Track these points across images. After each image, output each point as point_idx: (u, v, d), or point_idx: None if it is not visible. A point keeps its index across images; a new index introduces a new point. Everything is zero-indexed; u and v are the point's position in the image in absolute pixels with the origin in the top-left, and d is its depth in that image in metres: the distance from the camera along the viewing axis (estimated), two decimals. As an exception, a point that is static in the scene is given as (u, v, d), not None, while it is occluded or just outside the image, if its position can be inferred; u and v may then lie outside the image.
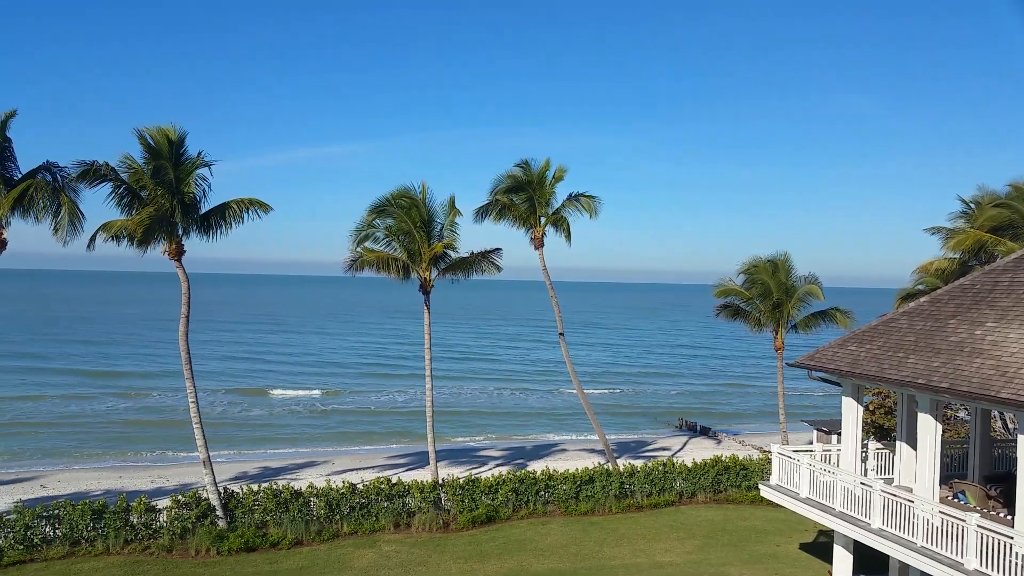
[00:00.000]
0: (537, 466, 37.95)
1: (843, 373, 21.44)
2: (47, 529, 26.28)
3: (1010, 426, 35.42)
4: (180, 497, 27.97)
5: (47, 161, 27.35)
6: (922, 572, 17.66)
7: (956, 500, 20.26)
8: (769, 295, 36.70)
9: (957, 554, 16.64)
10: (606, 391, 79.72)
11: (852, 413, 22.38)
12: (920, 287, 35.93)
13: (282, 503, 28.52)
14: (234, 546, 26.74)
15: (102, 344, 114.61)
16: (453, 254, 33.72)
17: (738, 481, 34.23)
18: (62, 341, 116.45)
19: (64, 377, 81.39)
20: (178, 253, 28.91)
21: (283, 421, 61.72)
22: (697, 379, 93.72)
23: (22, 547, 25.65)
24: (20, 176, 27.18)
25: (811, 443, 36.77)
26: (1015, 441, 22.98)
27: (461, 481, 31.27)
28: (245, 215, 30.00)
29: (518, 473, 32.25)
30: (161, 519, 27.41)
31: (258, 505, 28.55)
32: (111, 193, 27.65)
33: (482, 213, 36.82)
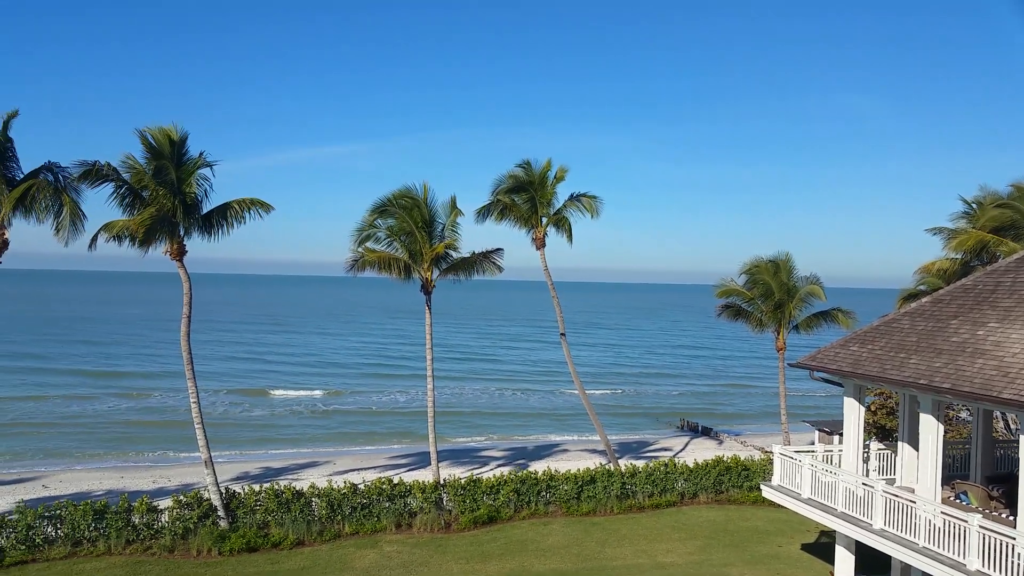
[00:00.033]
0: (539, 466, 37.95)
1: (845, 374, 21.42)
2: (49, 529, 26.30)
3: (1012, 427, 35.38)
4: (182, 497, 27.99)
5: (49, 161, 27.43)
6: (924, 573, 17.64)
7: (958, 501, 20.24)
8: (771, 295, 36.67)
9: (959, 555, 16.62)
10: (608, 391, 79.68)
11: (854, 414, 22.36)
12: (922, 287, 35.90)
13: (284, 503, 28.53)
14: (236, 546, 26.75)
15: (103, 344, 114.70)
16: (454, 254, 33.74)
17: (740, 482, 34.21)
18: (63, 341, 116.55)
19: (66, 377, 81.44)
20: (180, 253, 28.94)
21: (285, 421, 61.74)
22: (699, 379, 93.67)
23: (24, 547, 25.68)
24: (22, 176, 27.20)
25: (813, 444, 36.75)
26: (1017, 442, 22.96)
27: (463, 481, 31.27)
28: (247, 215, 30.04)
29: (520, 473, 32.24)
30: (163, 519, 27.43)
31: (260, 505, 28.56)
32: (113, 193, 27.72)
33: (484, 213, 36.82)
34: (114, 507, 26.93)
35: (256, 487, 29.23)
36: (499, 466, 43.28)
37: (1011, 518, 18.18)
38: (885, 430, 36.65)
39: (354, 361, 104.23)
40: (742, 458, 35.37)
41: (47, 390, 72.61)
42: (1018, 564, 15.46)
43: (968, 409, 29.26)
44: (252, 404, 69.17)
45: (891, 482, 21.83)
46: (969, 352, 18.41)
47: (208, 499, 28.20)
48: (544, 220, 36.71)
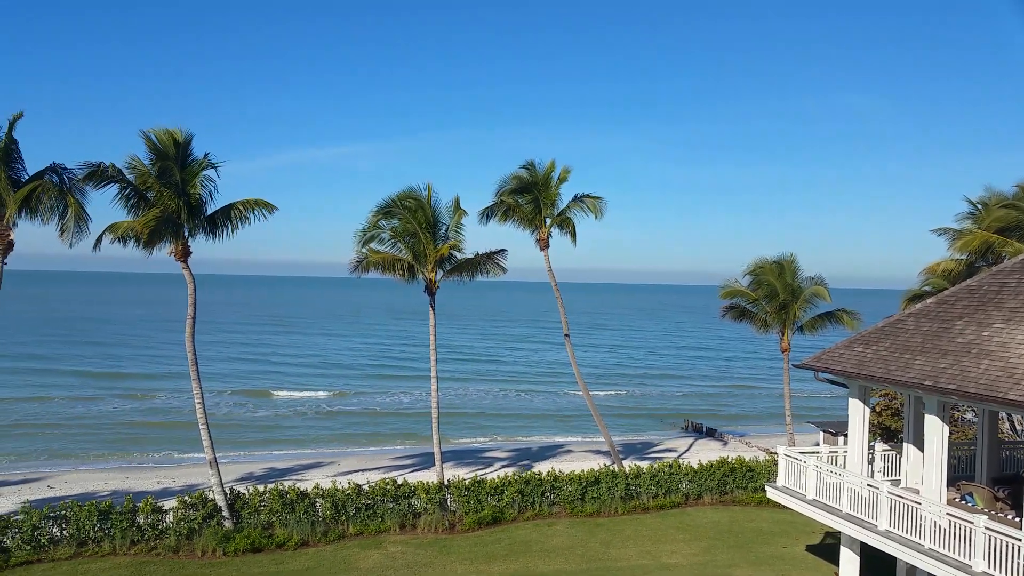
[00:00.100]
0: (543, 467, 37.95)
1: (850, 374, 21.38)
2: (54, 530, 26.36)
3: (1018, 428, 35.33)
4: (186, 498, 28.03)
5: (54, 163, 27.54)
6: (929, 574, 17.59)
7: (964, 502, 20.20)
8: (775, 296, 36.61)
9: (965, 556, 16.57)
10: (612, 392, 79.62)
11: (859, 415, 22.32)
12: (927, 288, 35.83)
13: (288, 504, 28.56)
14: (240, 547, 26.77)
15: (108, 345, 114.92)
16: (458, 255, 33.72)
17: (744, 483, 34.16)
18: (68, 342, 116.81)
19: (70, 378, 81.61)
20: (184, 254, 28.99)
21: (289, 422, 61.79)
22: (703, 380, 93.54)
23: (29, 547, 25.74)
24: (27, 178, 27.28)
25: (818, 445, 36.67)
26: (1023, 443, 22.92)
27: (467, 482, 31.27)
28: (251, 215, 30.08)
29: (524, 474, 32.23)
30: (167, 520, 27.47)
31: (264, 506, 28.59)
32: (117, 194, 27.77)
33: (487, 214, 36.83)
34: (119, 508, 26.98)
35: (260, 488, 29.26)
36: (503, 467, 43.27)
37: (1017, 519, 18.13)
38: (890, 431, 36.58)
39: (358, 362, 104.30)
40: (747, 459, 35.32)
41: (51, 391, 72.75)
42: (1024, 565, 15.42)
43: (974, 410, 29.20)
44: (256, 405, 69.26)
45: (896, 483, 21.77)
46: (974, 353, 18.37)
47: (213, 500, 28.24)
48: (548, 221, 36.69)
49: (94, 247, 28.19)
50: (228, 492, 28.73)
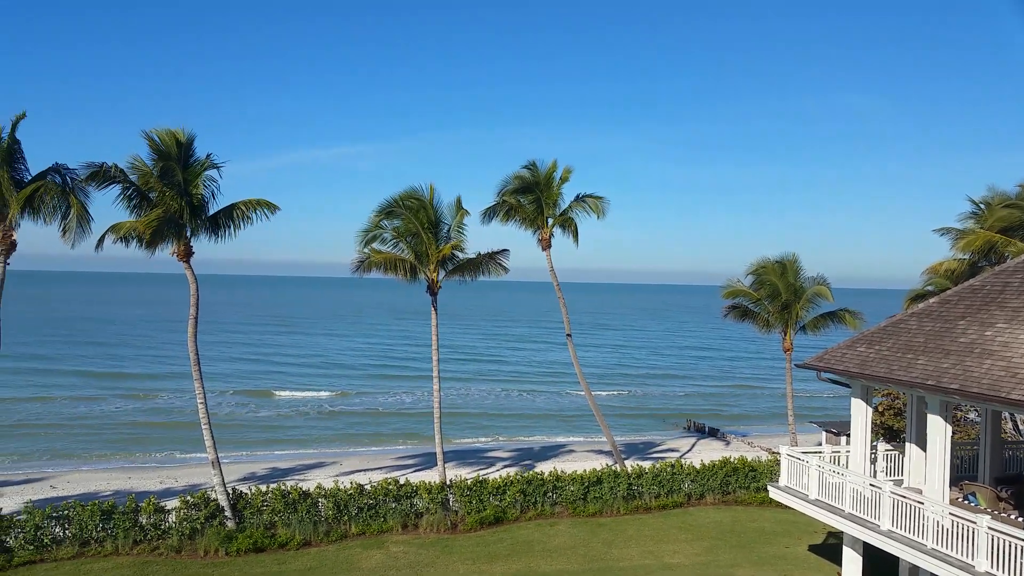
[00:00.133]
0: (545, 467, 37.95)
1: (852, 374, 21.36)
2: (57, 529, 26.38)
3: (1021, 428, 35.27)
4: (189, 498, 28.05)
5: (56, 163, 27.51)
6: (932, 574, 17.57)
7: (966, 502, 20.17)
8: (778, 296, 36.57)
9: (968, 556, 16.56)
10: (614, 392, 79.62)
11: (861, 414, 22.30)
12: (929, 288, 35.77)
13: (290, 504, 28.58)
14: (243, 547, 26.79)
15: (110, 345, 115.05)
16: (460, 255, 33.73)
17: (747, 483, 34.15)
18: (70, 342, 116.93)
19: (72, 378, 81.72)
20: (186, 254, 29.02)
21: (291, 422, 61.84)
22: (705, 380, 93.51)
23: (32, 547, 25.77)
24: (30, 178, 27.29)
25: (820, 444, 36.64)
26: (1026, 443, 22.89)
27: (469, 482, 31.27)
28: (253, 215, 30.11)
29: (526, 474, 32.24)
30: (170, 520, 27.49)
31: (266, 506, 28.61)
32: (120, 194, 27.83)
33: (489, 214, 36.84)
34: (121, 507, 27.01)
35: (263, 488, 29.28)
36: (505, 467, 43.29)
37: (1020, 519, 18.12)
38: (893, 431, 36.55)
39: (360, 362, 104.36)
40: (749, 459, 35.31)
41: (53, 391, 72.84)
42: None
43: (976, 410, 29.17)
44: (258, 405, 69.32)
45: (899, 483, 21.76)
46: (977, 353, 18.35)
47: (215, 500, 28.26)
48: (550, 221, 36.70)
49: (96, 247, 28.23)
50: (230, 492, 28.74)
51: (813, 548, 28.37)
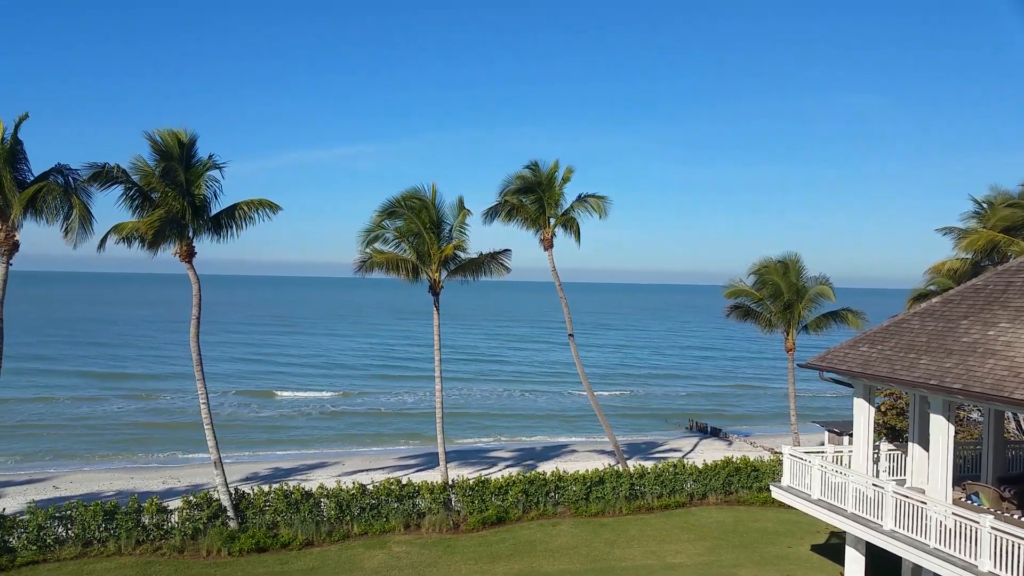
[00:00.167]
0: (547, 467, 37.94)
1: (855, 374, 21.34)
2: (60, 530, 26.41)
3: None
4: (191, 498, 28.08)
5: (59, 163, 27.51)
6: (935, 574, 17.55)
7: (969, 502, 20.14)
8: (780, 296, 36.56)
9: (971, 556, 16.54)
10: (616, 392, 79.62)
11: (864, 414, 22.28)
12: (932, 288, 35.73)
13: (293, 504, 28.59)
14: (245, 547, 26.81)
15: (112, 346, 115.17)
16: (462, 255, 33.74)
17: (749, 483, 34.13)
18: (72, 343, 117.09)
19: (74, 379, 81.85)
20: (189, 255, 29.04)
21: (293, 422, 61.88)
22: (708, 380, 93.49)
23: (35, 547, 25.80)
24: (32, 178, 27.32)
25: (823, 444, 36.60)
26: (1029, 442, 22.86)
27: (471, 482, 31.27)
28: (255, 215, 30.13)
29: (528, 474, 32.24)
30: (172, 520, 27.51)
31: (269, 506, 28.63)
32: (122, 195, 27.86)
33: (491, 214, 36.84)
34: (124, 508, 27.03)
35: (265, 488, 29.30)
36: (507, 467, 43.29)
37: (1023, 519, 18.08)
38: (895, 431, 36.51)
39: (362, 362, 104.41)
40: (751, 459, 35.28)
41: (56, 391, 72.95)
42: (1030, 565, 15.37)
43: (979, 410, 29.13)
44: (260, 405, 69.38)
45: (901, 483, 21.74)
46: (980, 352, 18.32)
47: (218, 500, 28.28)
48: (552, 221, 36.70)
49: (99, 247, 28.28)
50: (233, 492, 28.76)
51: (816, 548, 28.35)
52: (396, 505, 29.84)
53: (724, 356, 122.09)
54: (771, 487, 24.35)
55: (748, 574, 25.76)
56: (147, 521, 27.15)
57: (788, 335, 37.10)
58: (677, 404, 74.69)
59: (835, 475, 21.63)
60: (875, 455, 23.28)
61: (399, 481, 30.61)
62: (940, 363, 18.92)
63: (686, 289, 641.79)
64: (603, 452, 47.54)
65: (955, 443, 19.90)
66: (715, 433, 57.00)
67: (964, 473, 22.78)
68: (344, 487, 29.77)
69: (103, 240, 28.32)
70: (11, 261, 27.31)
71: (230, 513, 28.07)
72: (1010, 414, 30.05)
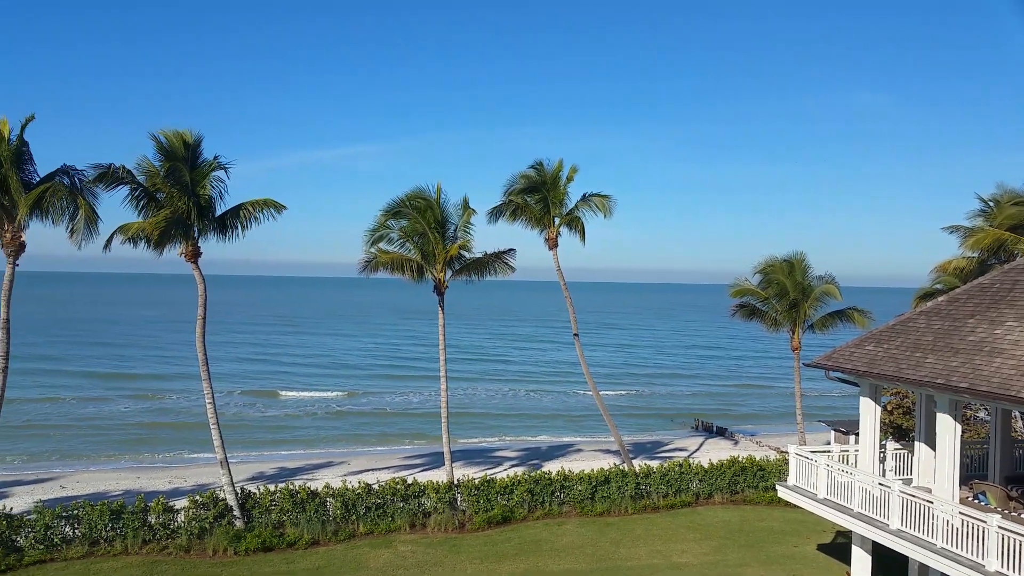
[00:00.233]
0: (552, 467, 37.95)
1: (861, 373, 21.30)
2: (67, 529, 26.49)
3: (1030, 426, 35.09)
4: (197, 497, 28.13)
5: (64, 164, 27.63)
6: (941, 574, 17.51)
7: (976, 501, 20.09)
8: (785, 295, 36.51)
9: (978, 555, 16.49)
10: (621, 392, 79.54)
11: (870, 413, 22.24)
12: (938, 286, 35.69)
13: (299, 503, 28.63)
14: (251, 546, 26.86)
15: (117, 346, 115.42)
16: (467, 255, 33.77)
17: (755, 482, 34.08)
18: (77, 343, 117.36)
19: (80, 379, 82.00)
20: (194, 255, 29.11)
21: (298, 422, 61.95)
22: (713, 380, 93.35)
23: (42, 547, 25.88)
24: (38, 179, 27.40)
25: (829, 444, 36.57)
26: (1036, 441, 22.78)
27: (476, 482, 31.29)
28: (260, 215, 30.18)
29: (533, 474, 32.24)
30: (179, 519, 27.57)
31: (275, 505, 28.67)
32: (128, 195, 27.94)
33: (496, 214, 36.83)
34: (130, 507, 27.10)
35: (271, 487, 29.34)
36: (513, 466, 43.28)
37: (1030, 518, 18.02)
38: (902, 430, 36.44)
39: (367, 362, 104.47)
40: (757, 458, 35.23)
41: (62, 392, 73.11)
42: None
43: (986, 408, 29.06)
44: (266, 405, 69.47)
45: (908, 482, 21.69)
46: (987, 351, 18.28)
47: (224, 499, 28.33)
48: (556, 220, 36.69)
49: (104, 248, 28.38)
50: (239, 491, 28.82)
51: (822, 547, 28.30)
52: (401, 504, 29.87)
53: (729, 355, 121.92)
54: (777, 486, 24.32)
55: (754, 573, 25.72)
56: (153, 520, 27.21)
57: (794, 334, 37.05)
58: (682, 403, 74.59)
59: (841, 474, 21.59)
60: (881, 454, 23.23)
61: (404, 480, 30.63)
62: (947, 362, 18.88)
63: (688, 288, 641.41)
64: (608, 451, 47.51)
65: (962, 442, 19.86)
66: (721, 432, 56.93)
67: (971, 472, 22.73)
68: (350, 486, 29.80)
69: (109, 240, 28.42)
70: (18, 262, 27.41)
71: (236, 512, 28.13)
72: (1017, 413, 29.97)
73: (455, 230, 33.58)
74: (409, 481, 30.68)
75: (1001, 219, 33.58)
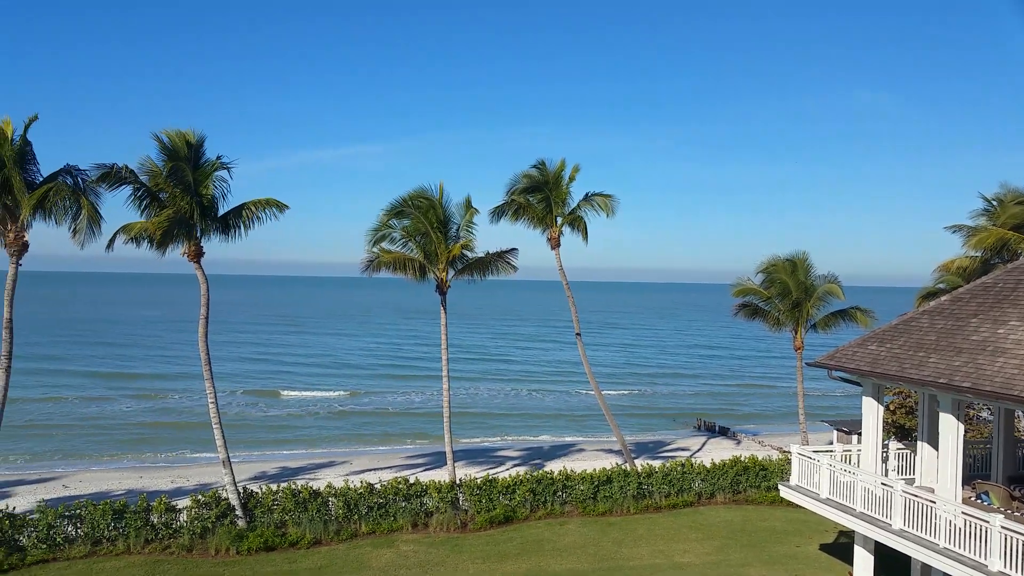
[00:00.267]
0: (554, 466, 37.95)
1: (863, 373, 21.28)
2: (69, 528, 26.52)
3: (1033, 426, 35.04)
4: (200, 497, 28.15)
5: (68, 164, 27.70)
6: (944, 574, 17.49)
7: (979, 501, 20.06)
8: (788, 294, 36.45)
9: (981, 555, 16.48)
10: (624, 392, 79.51)
11: (873, 413, 22.22)
12: (941, 286, 35.64)
13: (301, 503, 28.64)
14: (253, 545, 26.87)
15: (120, 346, 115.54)
16: (470, 254, 33.76)
17: (757, 482, 34.05)
18: (80, 343, 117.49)
19: (82, 379, 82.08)
20: (197, 255, 29.13)
21: (301, 422, 61.97)
22: (715, 379, 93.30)
23: (45, 546, 25.91)
24: (41, 179, 27.43)
25: (831, 443, 36.54)
26: (1039, 441, 22.73)
27: (479, 481, 31.28)
28: (263, 215, 30.19)
29: (535, 473, 32.22)
30: (181, 519, 27.60)
31: (277, 505, 28.68)
32: (131, 195, 27.99)
33: (498, 213, 36.82)
34: (133, 507, 27.13)
35: (273, 487, 29.35)
36: (515, 466, 43.28)
37: (1033, 518, 17.99)
38: (904, 429, 36.39)
39: (369, 362, 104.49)
40: (760, 458, 35.20)
41: (64, 391, 73.21)
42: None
43: (989, 408, 29.01)
44: (268, 405, 69.51)
45: (910, 482, 21.67)
46: (990, 350, 18.25)
47: (226, 499, 28.35)
48: (559, 220, 36.67)
49: (107, 247, 28.42)
50: (241, 491, 28.83)
51: (824, 547, 28.27)
52: (404, 504, 29.87)
53: (732, 355, 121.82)
54: (779, 486, 24.31)
55: (756, 573, 25.70)
56: (156, 520, 27.24)
57: (796, 334, 37.00)
58: (685, 403, 74.56)
59: (844, 474, 21.58)
60: (884, 454, 23.21)
61: (407, 480, 30.63)
62: (949, 361, 18.85)
63: (690, 288, 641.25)
64: (611, 451, 47.50)
65: (965, 442, 19.84)
66: (723, 432, 56.90)
67: (974, 472, 22.71)
68: (352, 486, 29.81)
69: (111, 240, 28.46)
70: (21, 261, 27.44)
71: (238, 512, 28.14)
72: (1020, 413, 29.91)
73: (457, 230, 33.57)
74: (411, 481, 30.68)
75: (1004, 218, 33.53)
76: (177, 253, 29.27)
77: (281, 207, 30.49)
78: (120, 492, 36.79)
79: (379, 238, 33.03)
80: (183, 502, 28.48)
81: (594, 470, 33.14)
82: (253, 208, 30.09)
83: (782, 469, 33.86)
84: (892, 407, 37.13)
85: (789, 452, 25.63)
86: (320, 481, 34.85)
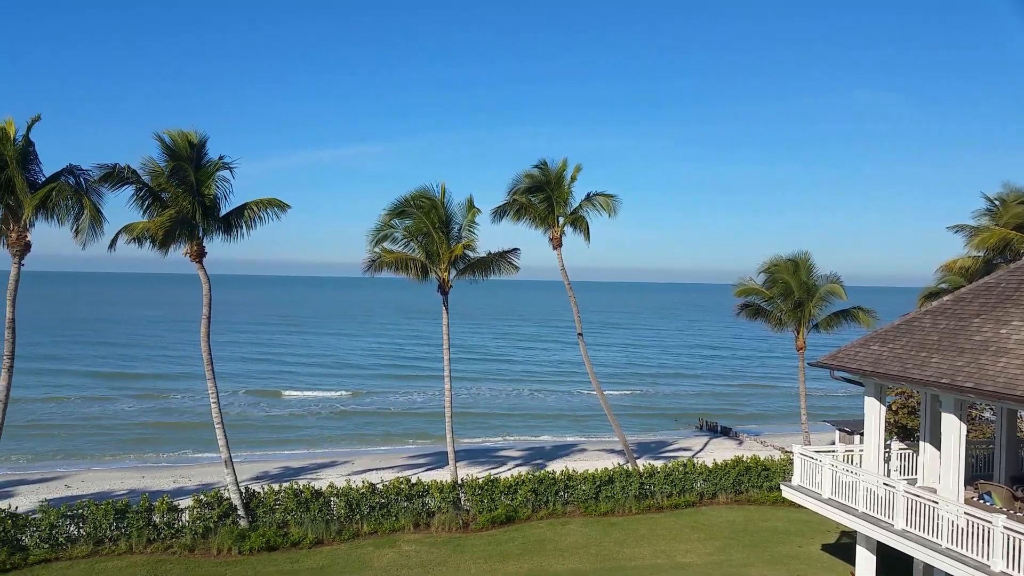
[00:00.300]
0: (556, 466, 37.92)
1: (865, 373, 21.26)
2: (71, 528, 26.55)
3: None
4: (202, 497, 28.17)
5: (70, 164, 27.73)
6: (946, 574, 17.47)
7: (982, 501, 20.04)
8: (790, 294, 36.43)
9: (983, 556, 16.46)
10: (626, 392, 79.48)
11: (875, 413, 22.20)
12: (943, 286, 35.57)
13: (303, 503, 28.66)
14: (255, 545, 26.89)
15: (122, 346, 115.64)
16: (471, 254, 33.76)
17: (759, 482, 34.03)
18: (82, 343, 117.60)
19: (84, 379, 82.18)
20: (199, 255, 29.14)
21: (303, 422, 62.01)
22: (717, 379, 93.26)
23: (47, 546, 25.94)
24: (44, 179, 27.46)
25: (833, 443, 36.50)
26: (1041, 441, 22.70)
27: (480, 481, 31.28)
28: (265, 215, 30.21)
29: (537, 473, 32.22)
30: (183, 519, 27.62)
31: (279, 505, 28.70)
32: (133, 195, 28.01)
33: (500, 213, 36.83)
34: (135, 507, 27.15)
35: (275, 487, 29.37)
36: (517, 466, 43.28)
37: (1036, 518, 17.96)
38: (907, 430, 36.35)
39: (371, 362, 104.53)
40: (762, 458, 35.19)
41: (66, 391, 73.28)
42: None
43: (991, 408, 28.97)
44: (270, 405, 69.55)
45: (913, 482, 21.66)
46: (992, 351, 18.23)
47: (228, 499, 28.37)
48: (561, 220, 36.67)
49: (109, 247, 28.40)
50: (243, 491, 28.85)
51: (826, 547, 28.26)
52: (406, 504, 29.88)
53: (733, 355, 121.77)
54: (781, 486, 24.30)
55: (758, 573, 25.69)
56: (158, 520, 27.27)
57: (798, 333, 36.98)
58: (687, 403, 74.53)
59: (846, 474, 21.56)
60: (886, 454, 23.20)
61: (408, 480, 30.64)
62: (952, 362, 18.83)
63: (690, 288, 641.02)
64: (613, 451, 47.49)
65: (967, 442, 19.81)
66: (725, 432, 56.87)
67: (976, 472, 22.68)
68: (354, 486, 29.83)
69: (114, 240, 28.47)
70: (23, 261, 27.47)
71: (240, 512, 28.16)
72: (1023, 413, 29.87)
73: (459, 229, 33.56)
74: (413, 481, 30.69)
75: (1007, 218, 33.47)
76: (179, 253, 29.31)
77: (283, 207, 30.50)
78: (122, 492, 36.82)
79: (381, 238, 33.03)
80: (185, 502, 28.52)
81: (596, 470, 33.13)
82: (255, 208, 30.10)
83: (784, 469, 33.84)
84: (894, 407, 37.10)
85: (791, 452, 25.62)
86: (322, 481, 34.87)
